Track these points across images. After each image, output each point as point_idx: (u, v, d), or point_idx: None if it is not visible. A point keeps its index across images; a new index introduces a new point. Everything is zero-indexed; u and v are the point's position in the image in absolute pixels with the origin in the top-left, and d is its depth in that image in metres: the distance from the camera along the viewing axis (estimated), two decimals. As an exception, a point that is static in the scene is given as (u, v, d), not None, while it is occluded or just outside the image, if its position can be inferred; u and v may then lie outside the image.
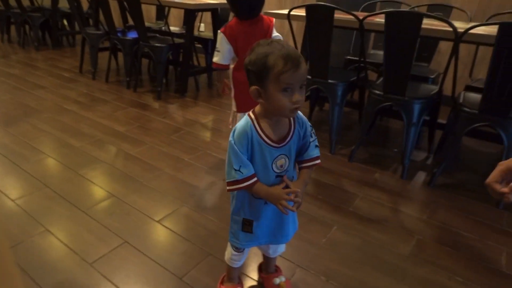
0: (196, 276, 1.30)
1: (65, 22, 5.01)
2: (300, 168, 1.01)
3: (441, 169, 1.95)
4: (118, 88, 3.33)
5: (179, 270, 1.32)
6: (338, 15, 1.98)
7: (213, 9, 3.24)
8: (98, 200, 1.71)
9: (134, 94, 3.18)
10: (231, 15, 3.54)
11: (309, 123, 0.99)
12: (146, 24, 3.35)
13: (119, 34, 3.30)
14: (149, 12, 4.63)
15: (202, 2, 2.98)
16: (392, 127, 2.79)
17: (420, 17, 1.71)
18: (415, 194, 1.90)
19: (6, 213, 1.57)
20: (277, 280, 1.22)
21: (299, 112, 0.98)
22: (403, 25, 1.76)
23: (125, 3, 3.03)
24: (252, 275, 1.33)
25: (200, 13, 3.93)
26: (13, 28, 4.85)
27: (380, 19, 1.94)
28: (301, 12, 2.13)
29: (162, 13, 3.76)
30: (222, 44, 1.62)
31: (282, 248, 1.20)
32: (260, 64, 0.84)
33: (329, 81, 2.19)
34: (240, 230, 1.04)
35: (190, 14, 3.05)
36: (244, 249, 1.12)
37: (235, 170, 0.91)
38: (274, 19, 1.66)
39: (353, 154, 2.19)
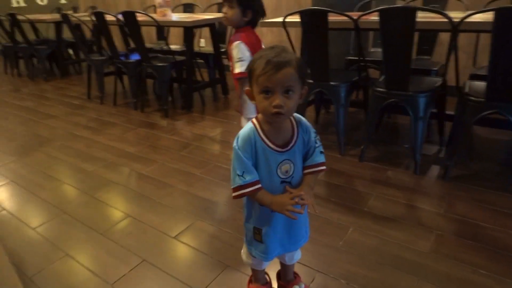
0: (216, 289, 1.30)
1: (70, 51, 5.16)
2: (304, 174, 1.00)
3: (454, 161, 1.92)
4: (126, 110, 3.40)
5: (198, 284, 1.33)
6: (332, 17, 1.99)
7: (210, 24, 3.30)
8: (114, 221, 1.74)
9: (142, 115, 3.24)
10: (229, 29, 3.61)
11: (314, 130, 0.99)
12: (148, 45, 3.44)
13: (122, 58, 3.38)
14: (149, 33, 4.73)
15: (199, 19, 3.04)
16: (400, 123, 2.76)
17: (413, 11, 1.71)
18: (430, 188, 1.88)
19: (28, 242, 1.61)
20: None
21: (302, 118, 0.99)
22: (398, 21, 1.76)
23: (125, 28, 3.11)
24: (272, 283, 1.32)
25: (198, 29, 4.00)
26: (21, 62, 5.01)
27: (375, 17, 1.95)
28: (296, 18, 2.15)
29: (162, 33, 3.84)
30: (244, 52, 1.61)
31: (298, 255, 1.19)
32: (250, 66, 0.89)
33: (331, 83, 2.19)
34: (253, 238, 1.05)
35: (189, 32, 3.11)
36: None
37: (238, 175, 0.92)
38: None
39: (363, 153, 2.18)
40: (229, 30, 3.68)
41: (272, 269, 1.35)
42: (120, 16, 3.06)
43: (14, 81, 4.84)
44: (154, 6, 3.35)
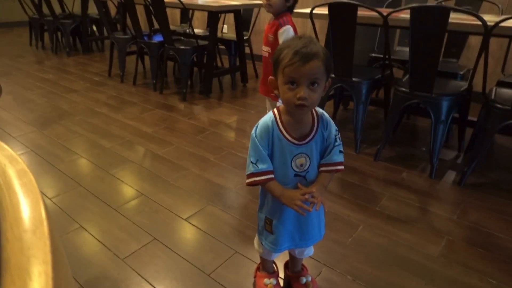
0: (223, 274, 1.32)
1: (94, 28, 5.21)
2: (320, 172, 0.99)
3: (472, 168, 1.88)
4: (145, 90, 3.44)
5: (206, 267, 1.35)
6: (362, 12, 1.95)
7: (236, 11, 3.27)
8: (128, 198, 1.78)
9: (160, 96, 3.27)
10: (254, 15, 3.58)
11: (336, 127, 0.98)
12: (171, 27, 3.44)
13: (145, 38, 3.40)
14: (173, 15, 4.73)
15: (225, 4, 3.03)
16: (420, 125, 2.72)
17: (446, 11, 1.67)
18: (444, 193, 1.85)
19: (44, 211, 1.66)
20: (304, 279, 1.22)
21: (324, 113, 0.98)
22: (429, 20, 1.72)
23: (150, 8, 3.12)
24: (279, 273, 1.34)
25: (223, 15, 3.98)
26: (46, 35, 5.10)
27: (405, 15, 1.90)
28: (324, 11, 2.12)
29: (186, 16, 3.84)
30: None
31: (310, 251, 1.19)
32: (276, 55, 0.87)
33: (353, 79, 2.17)
34: (264, 228, 1.06)
35: (214, 16, 3.10)
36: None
37: (252, 163, 0.93)
38: None
39: (378, 153, 2.16)
40: (254, 18, 3.64)
41: (280, 259, 1.36)
42: (146, -4, 3.07)
43: (38, 53, 4.92)
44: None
